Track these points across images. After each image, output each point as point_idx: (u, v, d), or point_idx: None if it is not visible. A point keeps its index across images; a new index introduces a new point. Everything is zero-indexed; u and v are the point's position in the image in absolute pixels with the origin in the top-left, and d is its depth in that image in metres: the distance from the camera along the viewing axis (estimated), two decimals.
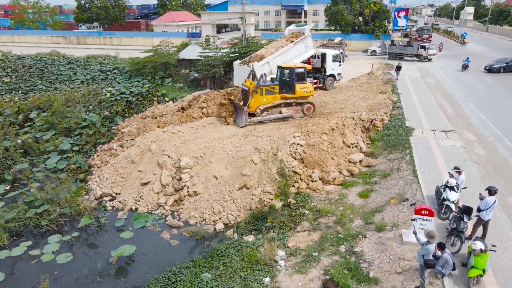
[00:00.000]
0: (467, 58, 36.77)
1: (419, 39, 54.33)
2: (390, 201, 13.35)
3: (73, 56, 46.85)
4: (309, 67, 21.78)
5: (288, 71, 20.62)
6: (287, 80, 20.67)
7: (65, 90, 29.97)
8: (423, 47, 42.69)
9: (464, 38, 61.35)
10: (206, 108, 22.53)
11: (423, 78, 32.70)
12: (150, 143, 17.76)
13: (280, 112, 20.59)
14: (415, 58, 43.26)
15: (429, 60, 42.67)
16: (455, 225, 9.91)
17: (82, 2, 74.06)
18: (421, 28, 63.93)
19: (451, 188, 11.26)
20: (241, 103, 20.56)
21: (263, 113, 20.26)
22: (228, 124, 20.38)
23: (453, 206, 11.12)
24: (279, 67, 21.36)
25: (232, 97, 21.86)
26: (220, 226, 14.00)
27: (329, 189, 15.50)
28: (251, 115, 20.21)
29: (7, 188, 17.11)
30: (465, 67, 36.11)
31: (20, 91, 32.66)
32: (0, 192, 16.60)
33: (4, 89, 33.23)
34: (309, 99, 21.43)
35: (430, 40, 54.42)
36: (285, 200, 14.10)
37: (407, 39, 48.28)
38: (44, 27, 79.81)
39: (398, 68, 32.34)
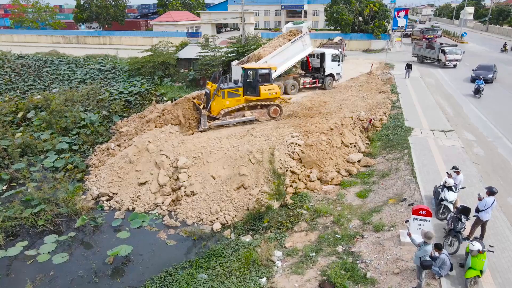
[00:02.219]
0: (480, 80, 27.11)
1: (423, 39, 53.85)
2: (388, 201, 13.27)
3: (72, 56, 46.77)
4: (274, 67, 20.92)
5: (252, 72, 19.89)
6: (251, 82, 19.87)
7: (62, 90, 29.92)
8: (443, 51, 37.33)
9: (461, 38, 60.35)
10: (165, 115, 20.85)
11: (423, 78, 32.60)
12: (147, 143, 17.69)
13: (244, 116, 19.84)
14: (436, 63, 38.67)
15: (454, 66, 37.38)
16: (453, 226, 9.83)
17: (82, 1, 73.95)
18: (425, 28, 63.44)
19: (449, 188, 11.19)
20: (202, 106, 19.80)
21: (226, 116, 19.50)
22: (189, 130, 19.29)
23: (451, 207, 11.04)
24: (242, 68, 20.63)
25: (195, 101, 21.01)
26: (217, 226, 13.93)
27: (327, 189, 15.41)
28: (216, 118, 19.44)
29: (4, 187, 17.04)
30: (479, 91, 26.36)
31: (18, 91, 32.57)
32: None
33: (3, 89, 33.16)
34: (277, 101, 20.64)
35: (435, 41, 53.88)
36: (279, 199, 14.02)
37: (428, 41, 43.31)
38: (44, 26, 79.71)
39: (409, 67, 32.29)
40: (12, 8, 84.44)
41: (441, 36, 61.86)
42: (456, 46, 38.92)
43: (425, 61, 40.04)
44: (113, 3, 75.96)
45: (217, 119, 19.43)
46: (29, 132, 21.52)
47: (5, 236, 13.35)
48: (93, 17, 75.05)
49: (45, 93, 27.51)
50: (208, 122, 19.20)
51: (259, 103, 20.05)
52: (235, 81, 20.74)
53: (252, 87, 19.86)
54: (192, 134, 18.81)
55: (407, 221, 9.95)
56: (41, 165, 18.66)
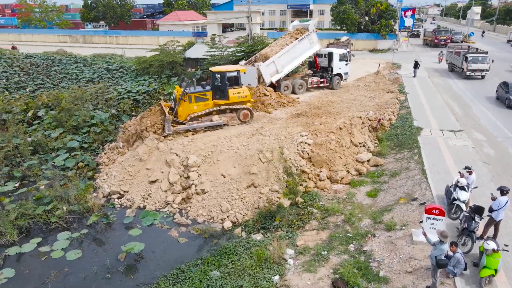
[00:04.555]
0: None
1: (436, 41, 52.45)
2: (399, 200, 13.29)
3: (80, 55, 47.12)
4: (243, 69, 20.18)
5: (219, 75, 19.08)
6: (219, 85, 19.17)
7: (71, 88, 30.16)
8: (466, 59, 31.26)
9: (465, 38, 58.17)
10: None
11: (430, 78, 32.49)
12: (157, 142, 17.80)
13: (211, 120, 19.19)
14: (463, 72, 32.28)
15: (482, 77, 31.38)
16: (466, 225, 9.84)
17: (89, 1, 74.42)
18: (438, 29, 59.99)
19: (462, 188, 11.19)
20: (167, 110, 19.28)
21: (193, 121, 18.93)
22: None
23: (463, 206, 11.04)
24: (210, 71, 20.02)
25: (163, 103, 20.32)
26: (228, 224, 14.00)
27: (337, 188, 15.45)
28: (183, 123, 18.87)
29: (16, 185, 17.22)
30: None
31: (27, 89, 32.89)
32: (10, 189, 16.72)
33: (12, 87, 33.49)
34: (248, 104, 19.92)
35: (447, 43, 50.95)
36: (293, 198, 14.07)
37: (459, 46, 38.05)
38: (51, 26, 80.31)
39: (416, 65, 32.16)
40: (19, 8, 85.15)
41: (462, 41, 54.67)
42: (485, 53, 32.01)
43: (454, 69, 34.56)
44: (119, 3, 76.35)
45: (184, 123, 18.83)
46: (40, 131, 21.74)
47: (18, 233, 13.50)
48: (100, 17, 75.50)
49: (54, 91, 27.74)
50: (174, 126, 18.51)
51: (228, 107, 19.39)
52: (203, 85, 20.05)
53: (221, 90, 19.21)
54: (163, 138, 18.16)
55: (421, 222, 9.95)
56: (52, 163, 18.84)
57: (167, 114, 18.42)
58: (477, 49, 34.34)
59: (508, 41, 57.64)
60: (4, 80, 35.34)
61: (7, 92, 31.35)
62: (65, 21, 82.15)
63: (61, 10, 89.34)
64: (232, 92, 19.26)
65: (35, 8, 79.89)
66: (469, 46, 36.07)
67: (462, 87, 29.50)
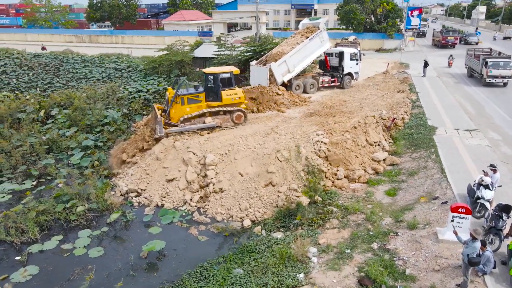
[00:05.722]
0: None
1: (443, 42, 51.07)
2: (419, 199, 13.29)
3: (86, 55, 47.21)
4: (236, 71, 19.53)
5: (212, 77, 18.73)
6: (212, 87, 18.87)
7: (82, 88, 30.29)
8: (486, 63, 28.24)
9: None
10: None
11: (440, 78, 32.44)
12: (174, 140, 17.85)
13: (204, 122, 18.94)
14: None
15: (505, 85, 28.28)
16: (493, 223, 9.85)
17: (94, 1, 74.61)
18: (445, 29, 58.26)
19: (486, 187, 11.19)
20: (160, 112, 19.12)
21: (186, 122, 18.67)
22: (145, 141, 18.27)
23: (488, 205, 11.04)
24: (203, 73, 19.70)
25: (156, 106, 20.06)
26: (247, 222, 14.04)
27: (355, 187, 15.47)
28: (176, 125, 18.67)
29: (34, 183, 17.32)
30: None
31: (38, 89, 33.02)
32: (28, 187, 16.82)
33: (22, 87, 33.63)
34: (242, 106, 19.58)
35: (455, 44, 50.74)
36: (313, 196, 14.10)
37: (480, 48, 35.45)
38: (56, 26, 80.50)
39: (425, 64, 32.09)
40: (24, 8, 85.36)
41: (478, 42, 52.41)
42: (508, 57, 28.66)
43: (473, 75, 31.43)
44: (125, 3, 76.50)
45: (177, 125, 18.62)
46: (54, 130, 21.85)
47: (39, 230, 13.59)
48: (106, 17, 75.64)
49: (67, 91, 27.85)
50: (166, 128, 18.36)
51: (221, 108, 19.09)
52: (195, 87, 19.62)
53: (214, 92, 18.93)
54: (153, 143, 18.08)
55: (452, 221, 9.95)
56: (68, 162, 18.93)
57: (159, 116, 18.19)
58: (499, 53, 30.89)
59: (504, 38, 58.67)
60: (14, 80, 35.50)
61: (17, 92, 31.47)
62: (71, 21, 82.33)
63: (66, 10, 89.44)
64: (225, 94, 18.92)
65: (40, 8, 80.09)
66: (491, 49, 33.13)
67: (482, 95, 26.56)
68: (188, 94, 18.68)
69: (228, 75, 18.97)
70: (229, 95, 19.02)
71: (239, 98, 19.39)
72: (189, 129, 18.56)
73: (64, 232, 13.82)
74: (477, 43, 52.31)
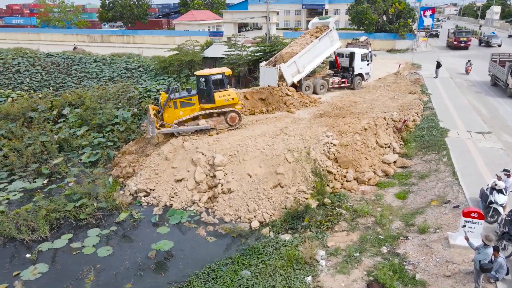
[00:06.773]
0: None
1: (455, 43, 49.66)
2: (430, 203, 13.08)
3: (98, 54, 47.73)
4: (228, 72, 19.20)
5: (204, 79, 18.58)
6: (204, 89, 18.69)
7: (93, 87, 30.61)
8: (511, 71, 24.91)
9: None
10: None
11: (453, 79, 31.93)
12: (183, 140, 17.90)
13: (198, 124, 18.72)
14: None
15: None
16: (507, 229, 9.62)
17: (107, 1, 75.48)
18: (458, 30, 56.57)
19: (499, 191, 10.95)
20: (153, 113, 18.91)
21: (179, 125, 18.54)
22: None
23: (501, 210, 10.80)
24: (195, 75, 19.57)
25: (151, 106, 19.81)
26: (255, 224, 13.98)
27: (364, 190, 15.30)
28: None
29: (45, 182, 17.53)
30: None
31: (51, 88, 33.49)
32: (39, 186, 17.04)
33: (35, 86, 34.14)
34: (236, 107, 19.29)
35: (468, 45, 49.39)
36: (321, 199, 13.98)
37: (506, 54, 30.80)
38: (69, 25, 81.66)
39: (438, 65, 31.62)
40: (38, 8, 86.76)
41: (501, 44, 49.57)
42: None
43: (498, 83, 28.06)
44: (136, 3, 77.20)
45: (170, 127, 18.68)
46: (65, 128, 22.11)
47: (50, 229, 13.74)
48: (118, 17, 76.45)
49: (78, 90, 28.17)
50: (159, 129, 18.30)
51: (215, 110, 18.89)
52: (188, 90, 19.39)
53: (206, 94, 18.71)
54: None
55: (464, 226, 9.75)
56: (79, 160, 19.13)
57: (151, 116, 18.19)
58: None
59: (509, 36, 58.81)
60: (27, 79, 36.07)
61: (31, 91, 31.97)
62: (83, 21, 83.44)
63: (79, 10, 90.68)
64: (218, 95, 18.71)
65: (54, 8, 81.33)
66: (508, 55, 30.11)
67: (509, 107, 23.23)
68: (181, 98, 18.60)
69: (219, 76, 18.78)
70: (222, 96, 18.86)
71: (232, 99, 19.15)
72: (181, 131, 18.47)
73: (73, 230, 13.95)
74: (499, 45, 49.61)
